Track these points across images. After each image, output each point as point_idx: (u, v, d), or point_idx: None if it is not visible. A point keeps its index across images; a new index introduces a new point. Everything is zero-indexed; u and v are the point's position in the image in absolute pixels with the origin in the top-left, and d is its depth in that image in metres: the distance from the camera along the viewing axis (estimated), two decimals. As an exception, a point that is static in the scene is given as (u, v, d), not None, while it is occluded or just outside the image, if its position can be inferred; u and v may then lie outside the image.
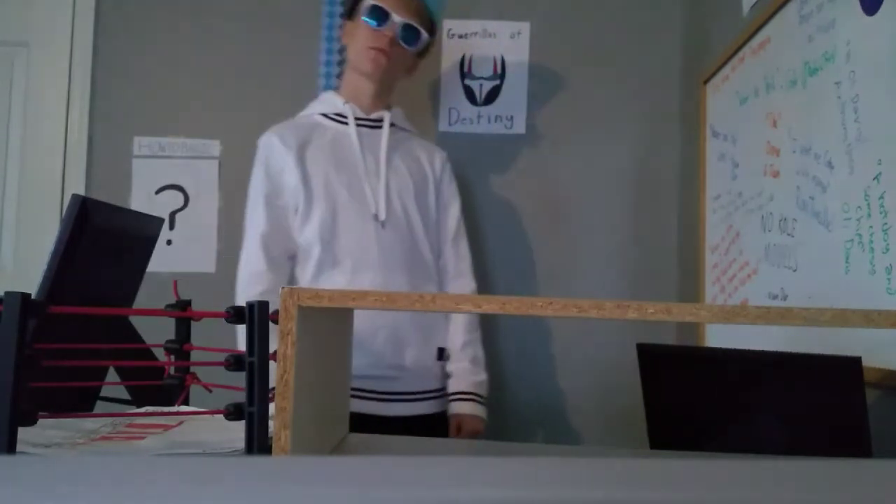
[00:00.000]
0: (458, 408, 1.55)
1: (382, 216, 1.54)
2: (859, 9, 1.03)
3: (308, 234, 1.53)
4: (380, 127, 1.63)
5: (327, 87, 2.11)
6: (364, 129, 1.62)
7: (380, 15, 1.56)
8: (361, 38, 1.59)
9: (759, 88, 1.43)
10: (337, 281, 1.51)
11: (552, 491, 0.20)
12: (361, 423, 1.47)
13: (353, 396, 1.46)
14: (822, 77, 1.14)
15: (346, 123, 1.61)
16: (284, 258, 1.56)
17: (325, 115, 1.64)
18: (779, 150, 1.31)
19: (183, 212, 2.10)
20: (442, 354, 1.60)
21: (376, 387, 1.51)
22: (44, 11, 2.14)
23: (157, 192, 2.10)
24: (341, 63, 2.12)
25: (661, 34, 2.09)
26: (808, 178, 1.19)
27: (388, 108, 1.67)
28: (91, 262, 0.92)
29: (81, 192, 2.06)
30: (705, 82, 1.79)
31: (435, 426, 1.55)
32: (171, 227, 2.08)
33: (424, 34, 1.61)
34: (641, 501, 0.20)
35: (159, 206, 2.06)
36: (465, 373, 1.58)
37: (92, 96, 2.13)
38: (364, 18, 1.56)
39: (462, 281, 1.67)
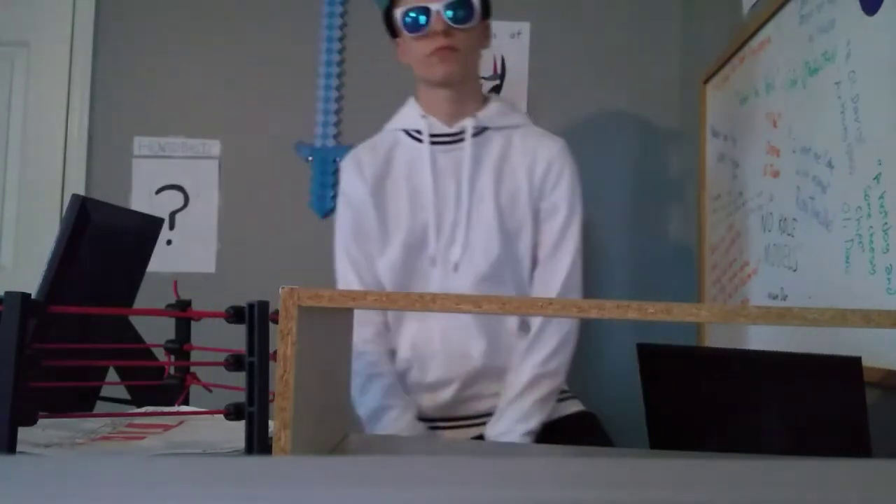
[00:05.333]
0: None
1: (455, 258, 1.33)
2: (859, 9, 1.03)
3: (383, 275, 1.37)
4: (463, 139, 1.36)
5: (327, 87, 2.11)
6: (443, 147, 1.37)
7: (418, 16, 1.31)
8: (416, 49, 1.34)
9: (759, 88, 1.43)
10: (409, 327, 1.37)
11: (552, 491, 0.20)
12: None
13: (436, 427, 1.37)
14: (822, 77, 1.14)
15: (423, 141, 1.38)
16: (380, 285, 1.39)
17: (405, 132, 1.41)
18: (779, 150, 1.31)
19: (183, 212, 2.10)
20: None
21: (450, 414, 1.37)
22: (44, 11, 2.14)
23: (157, 192, 2.10)
24: (341, 63, 2.12)
25: (661, 34, 2.09)
26: (808, 178, 1.19)
27: (478, 108, 1.39)
28: (91, 262, 0.92)
29: (81, 192, 2.06)
30: (705, 82, 1.79)
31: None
32: (171, 227, 2.08)
33: (475, 1, 1.32)
34: (641, 501, 0.20)
35: (159, 206, 2.06)
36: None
37: (92, 96, 2.13)
38: (406, 32, 1.33)
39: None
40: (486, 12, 1.37)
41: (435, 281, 1.34)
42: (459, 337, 1.34)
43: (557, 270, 1.34)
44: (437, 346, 1.35)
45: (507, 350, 1.34)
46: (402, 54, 1.40)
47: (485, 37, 1.40)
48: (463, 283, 1.32)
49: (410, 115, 1.41)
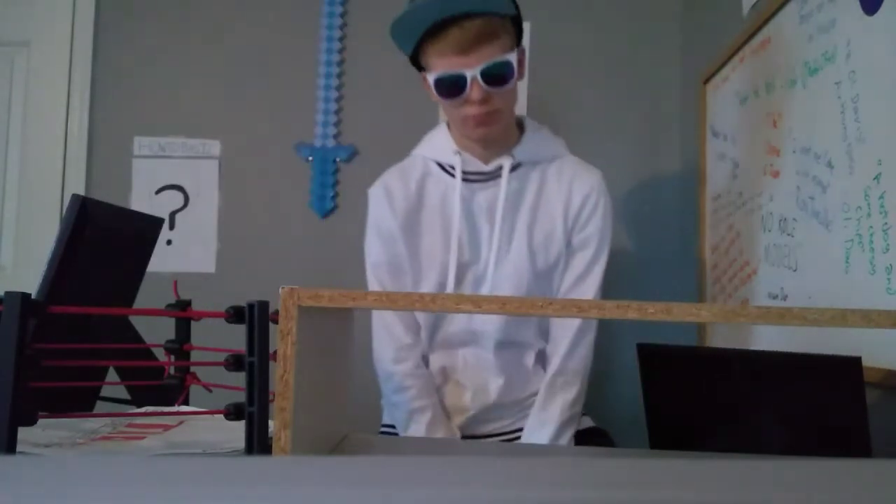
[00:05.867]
0: None
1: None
2: (859, 9, 1.03)
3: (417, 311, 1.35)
4: (499, 176, 1.30)
5: (327, 87, 2.10)
6: (478, 185, 1.31)
7: (453, 86, 1.20)
8: (450, 109, 1.26)
9: (759, 88, 1.43)
10: (436, 357, 1.37)
11: (552, 491, 0.20)
12: None
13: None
14: (822, 77, 1.14)
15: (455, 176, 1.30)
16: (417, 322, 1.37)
17: (437, 163, 1.34)
18: (779, 150, 1.31)
19: (183, 212, 2.10)
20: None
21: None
22: (44, 11, 2.14)
23: (157, 192, 2.10)
24: (341, 63, 2.12)
25: (661, 34, 2.09)
26: (808, 178, 1.19)
27: (514, 142, 1.32)
28: (91, 262, 0.92)
29: (81, 192, 2.06)
30: (705, 82, 1.79)
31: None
32: (171, 227, 2.08)
33: (511, 58, 1.20)
34: (641, 501, 0.20)
35: (159, 206, 2.06)
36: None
37: (92, 96, 2.13)
38: (439, 97, 1.23)
39: (562, 343, 1.31)
40: (520, 39, 1.27)
41: (463, 317, 1.33)
42: (479, 372, 1.36)
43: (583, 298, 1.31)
44: (458, 376, 1.36)
45: (523, 385, 1.36)
46: (430, 92, 1.26)
47: (521, 68, 1.26)
48: (490, 320, 1.32)
49: (443, 147, 1.33)
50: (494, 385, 1.35)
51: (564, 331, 1.32)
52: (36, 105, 2.13)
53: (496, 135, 1.28)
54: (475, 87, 1.19)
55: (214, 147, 2.12)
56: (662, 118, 2.08)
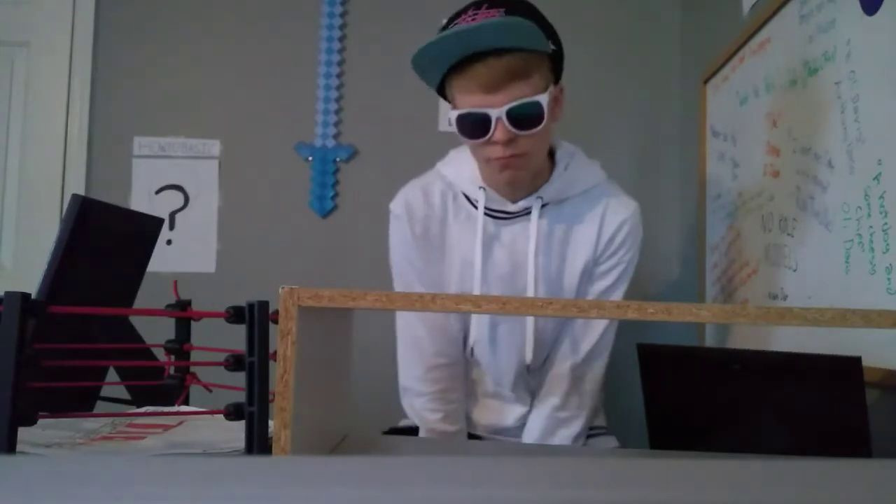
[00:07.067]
0: None
1: (502, 334, 1.28)
2: (859, 9, 1.03)
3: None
4: (527, 213, 1.22)
5: (327, 87, 2.10)
6: (503, 222, 1.23)
7: (476, 125, 1.11)
8: (474, 149, 1.18)
9: (759, 88, 1.43)
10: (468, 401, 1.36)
11: (552, 491, 0.20)
12: None
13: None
14: (822, 77, 1.14)
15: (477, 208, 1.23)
16: (451, 327, 1.28)
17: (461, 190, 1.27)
18: (779, 150, 1.31)
19: (183, 212, 2.10)
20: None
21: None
22: (44, 11, 2.14)
23: (157, 192, 2.10)
24: (341, 63, 2.12)
25: (661, 34, 2.09)
26: (808, 178, 1.19)
27: (543, 179, 1.23)
28: (91, 262, 0.92)
29: (81, 192, 2.06)
30: (705, 82, 1.79)
31: None
32: (171, 227, 2.08)
33: (542, 100, 1.10)
34: (641, 501, 0.20)
35: (159, 206, 2.06)
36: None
37: (92, 96, 2.13)
38: (462, 137, 1.15)
39: (563, 380, 1.26)
40: (558, 78, 1.17)
41: (484, 354, 1.31)
42: (499, 402, 1.35)
43: (593, 329, 1.27)
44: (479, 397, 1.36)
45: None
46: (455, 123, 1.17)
47: (555, 112, 1.17)
48: (510, 357, 1.28)
49: (467, 177, 1.24)
50: (513, 415, 1.34)
51: (562, 367, 1.28)
52: (36, 105, 2.13)
53: (523, 179, 1.19)
54: (500, 128, 1.09)
55: (214, 147, 2.12)
56: (662, 118, 2.08)
